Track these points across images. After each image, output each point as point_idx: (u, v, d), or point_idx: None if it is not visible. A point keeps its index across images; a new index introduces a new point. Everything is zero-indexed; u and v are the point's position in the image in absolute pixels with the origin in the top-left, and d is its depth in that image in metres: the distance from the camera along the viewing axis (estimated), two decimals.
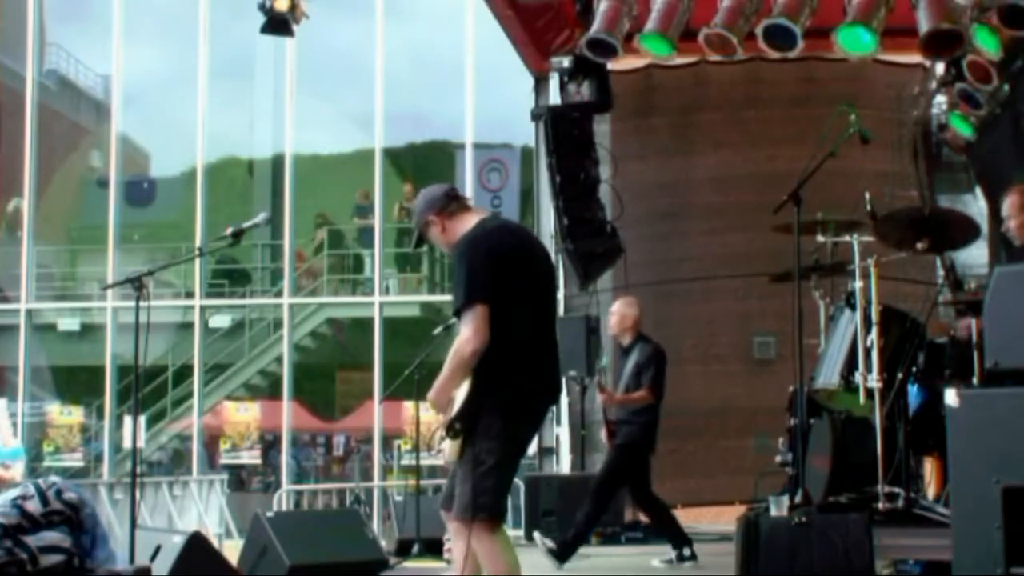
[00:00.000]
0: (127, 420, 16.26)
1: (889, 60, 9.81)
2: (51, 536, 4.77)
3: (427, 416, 10.87)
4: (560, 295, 10.35)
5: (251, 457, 17.75)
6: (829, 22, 7.83)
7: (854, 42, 7.78)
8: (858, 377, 5.66)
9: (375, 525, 11.43)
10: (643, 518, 9.19)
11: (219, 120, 18.32)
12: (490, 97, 17.50)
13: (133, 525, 5.51)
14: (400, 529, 9.16)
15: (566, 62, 9.60)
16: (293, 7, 8.98)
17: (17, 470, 10.10)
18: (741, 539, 5.41)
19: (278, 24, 9.10)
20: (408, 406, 13.53)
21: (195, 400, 16.67)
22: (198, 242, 15.56)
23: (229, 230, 5.73)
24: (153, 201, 20.83)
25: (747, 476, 9.09)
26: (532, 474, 10.43)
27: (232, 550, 7.71)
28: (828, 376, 5.94)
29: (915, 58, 9.26)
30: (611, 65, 9.65)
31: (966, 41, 7.69)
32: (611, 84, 9.91)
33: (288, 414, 16.31)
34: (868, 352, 5.65)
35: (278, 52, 16.33)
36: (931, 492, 6.04)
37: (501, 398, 4.41)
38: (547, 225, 11.25)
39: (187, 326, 17.04)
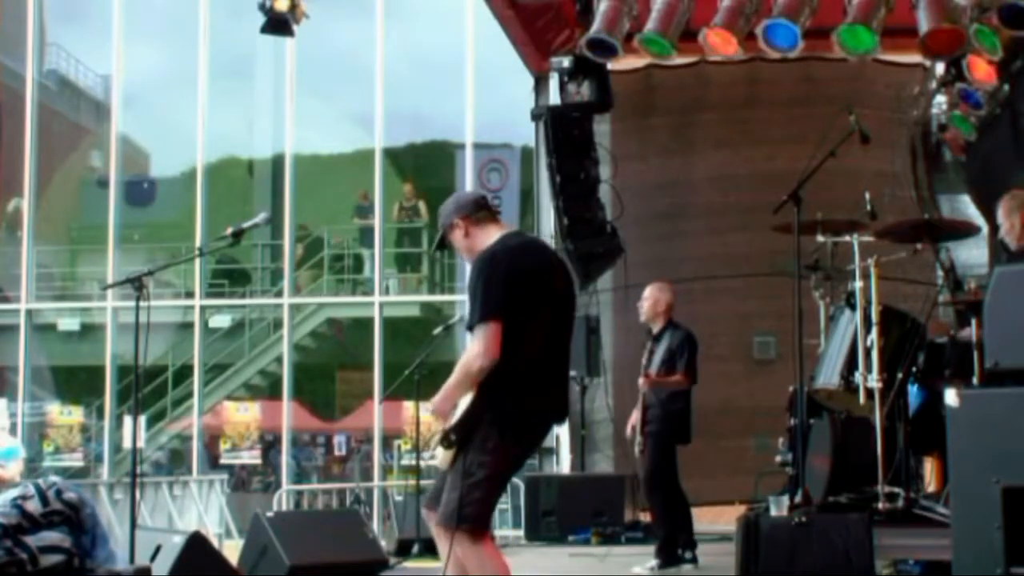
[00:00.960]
0: (127, 420, 16.25)
1: (889, 60, 9.81)
2: (51, 536, 4.78)
3: (427, 416, 10.87)
4: None
5: (251, 457, 17.74)
6: (829, 22, 7.83)
7: (854, 42, 7.78)
8: (858, 377, 5.66)
9: (375, 525, 11.44)
10: (643, 517, 9.20)
11: (219, 120, 18.30)
12: (490, 97, 17.49)
13: (133, 525, 5.51)
14: (400, 529, 9.17)
15: (566, 62, 9.60)
16: (293, 7, 8.99)
17: (14, 469, 10.10)
18: (741, 539, 5.42)
19: (278, 24, 9.11)
20: (408, 406, 13.54)
21: (195, 400, 16.67)
22: (198, 242, 15.56)
23: (229, 230, 5.74)
24: (153, 201, 20.82)
25: (747, 476, 9.08)
26: (532, 474, 10.44)
27: (232, 550, 7.71)
28: (828, 376, 5.94)
29: (915, 58, 9.25)
30: (611, 65, 9.65)
31: (966, 41, 7.68)
32: (611, 84, 9.91)
33: (288, 414, 16.31)
34: (868, 352, 5.65)
35: (278, 52, 16.33)
36: (931, 492, 6.04)
37: (502, 415, 4.40)
38: (547, 225, 11.25)
39: (187, 326, 17.04)
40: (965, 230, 6.49)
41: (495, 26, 11.12)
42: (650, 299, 7.57)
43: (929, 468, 6.28)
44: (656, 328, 7.58)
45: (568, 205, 10.12)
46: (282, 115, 16.64)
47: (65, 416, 17.64)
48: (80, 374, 18.86)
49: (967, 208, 10.32)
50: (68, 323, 17.95)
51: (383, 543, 7.94)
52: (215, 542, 8.75)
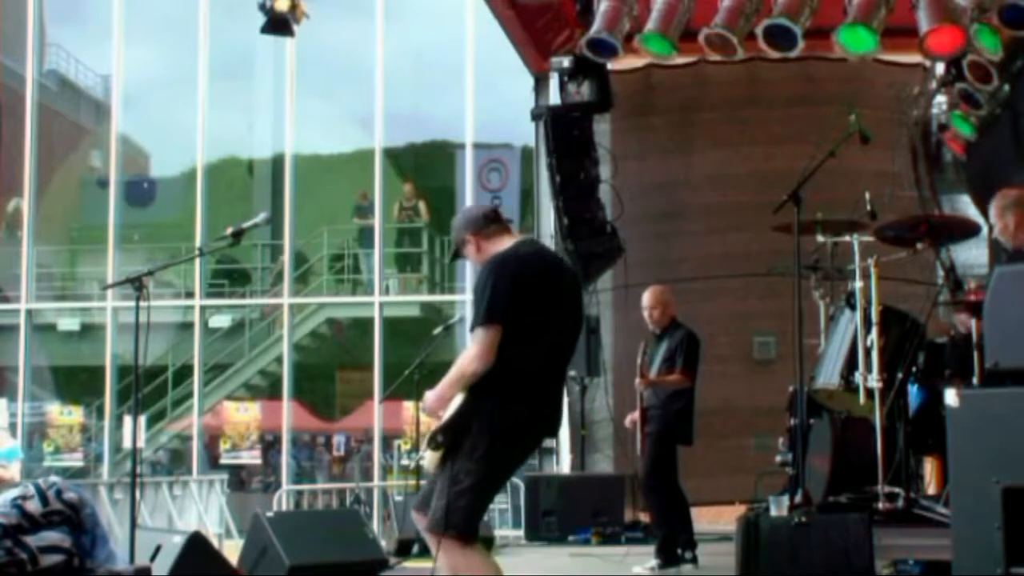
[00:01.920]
0: (127, 420, 16.26)
1: (889, 60, 9.80)
2: (51, 536, 4.77)
3: (426, 416, 10.88)
4: None
5: (251, 457, 17.75)
6: (829, 22, 7.83)
7: (854, 42, 7.78)
8: (858, 377, 5.66)
9: (375, 525, 11.43)
10: (643, 517, 9.20)
11: (219, 120, 18.31)
12: (490, 97, 17.50)
13: (133, 525, 5.51)
14: (400, 529, 9.16)
15: (566, 62, 9.60)
16: (293, 7, 8.99)
17: (14, 470, 10.10)
18: (741, 539, 5.42)
19: (278, 24, 9.11)
20: (408, 406, 13.56)
21: (195, 400, 16.67)
22: (198, 242, 15.56)
23: (229, 230, 5.73)
24: (153, 201, 20.83)
25: (747, 476, 9.10)
26: (532, 474, 10.44)
27: (232, 550, 7.71)
28: (828, 376, 5.93)
29: (915, 58, 9.25)
30: (610, 65, 9.65)
31: (966, 41, 7.69)
32: (611, 84, 9.91)
33: (288, 414, 16.31)
34: (868, 352, 5.65)
35: (278, 52, 16.33)
36: (931, 492, 6.05)
37: (492, 422, 4.37)
38: (547, 225, 11.26)
39: (187, 326, 17.05)
40: (965, 228, 6.48)
41: (495, 26, 11.12)
42: (659, 307, 7.58)
43: (929, 468, 6.28)
44: (659, 330, 7.60)
45: (568, 205, 10.12)
46: (282, 115, 16.63)
47: (65, 416, 17.65)
48: (80, 374, 18.87)
49: (967, 208, 10.32)
50: (68, 323, 17.97)
51: (383, 543, 7.94)
52: (215, 542, 8.75)
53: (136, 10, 17.57)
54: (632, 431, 7.64)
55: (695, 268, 10.89)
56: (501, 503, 12.44)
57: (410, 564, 8.20)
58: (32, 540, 4.72)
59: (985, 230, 6.71)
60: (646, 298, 7.69)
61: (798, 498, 5.62)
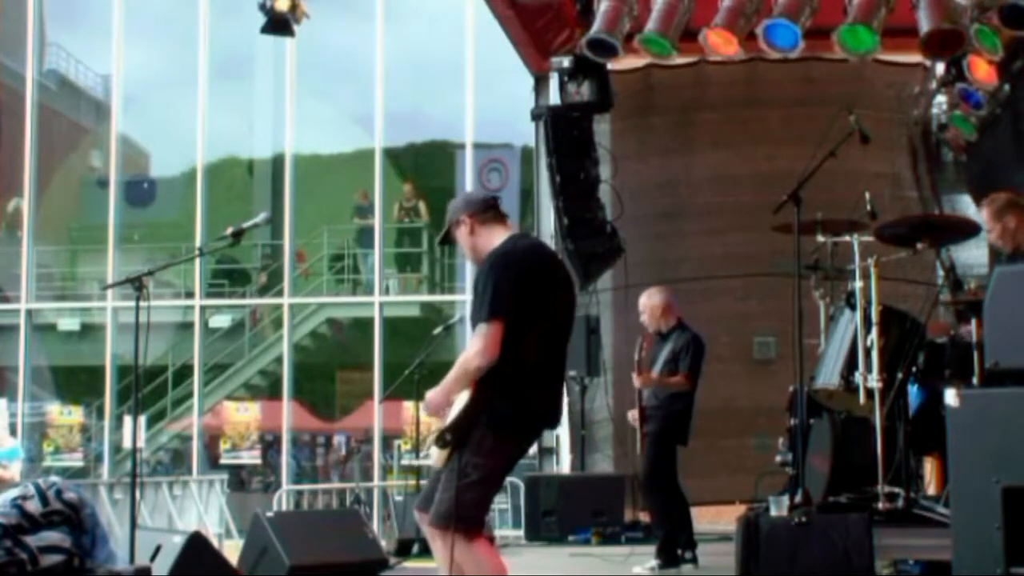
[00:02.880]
0: (127, 420, 16.26)
1: (889, 60, 9.80)
2: (51, 536, 4.77)
3: (427, 416, 10.87)
4: None
5: (251, 457, 17.74)
6: (829, 22, 7.83)
7: (854, 42, 7.78)
8: (858, 377, 5.65)
9: (375, 525, 11.43)
10: (643, 517, 9.20)
11: (219, 120, 18.32)
12: (490, 97, 17.52)
13: (133, 525, 5.52)
14: (400, 529, 9.17)
15: (566, 62, 9.60)
16: (294, 7, 8.99)
17: (15, 470, 10.10)
18: (741, 539, 5.42)
19: (279, 24, 9.11)
20: (408, 406, 13.55)
21: (195, 400, 16.67)
22: (198, 242, 15.57)
23: (229, 230, 5.74)
24: (153, 201, 20.83)
25: (747, 476, 9.08)
26: (532, 474, 10.44)
27: (232, 550, 7.71)
28: (828, 376, 5.93)
29: (915, 58, 9.25)
30: (610, 65, 9.65)
31: (966, 41, 7.68)
32: (611, 84, 9.90)
33: (288, 414, 16.32)
34: (868, 352, 5.65)
35: (278, 52, 16.34)
36: (931, 492, 6.04)
37: (498, 417, 4.40)
38: (547, 225, 11.25)
39: (187, 326, 17.05)
40: (965, 228, 6.47)
41: (495, 26, 11.12)
42: (647, 309, 7.60)
43: (929, 468, 6.27)
44: (664, 329, 7.60)
45: (568, 205, 10.11)
46: (282, 115, 16.64)
47: (65, 416, 17.64)
48: (80, 374, 18.87)
49: (967, 208, 10.31)
50: (68, 323, 17.97)
51: (383, 543, 7.94)
52: (215, 542, 8.75)
53: (136, 10, 17.58)
54: (633, 429, 7.65)
55: (695, 268, 10.89)
56: (501, 503, 12.43)
57: (410, 564, 8.21)
58: (32, 540, 4.72)
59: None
60: (640, 302, 7.71)
61: (798, 498, 5.61)
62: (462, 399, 4.44)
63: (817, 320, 6.60)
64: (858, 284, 5.77)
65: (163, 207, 20.41)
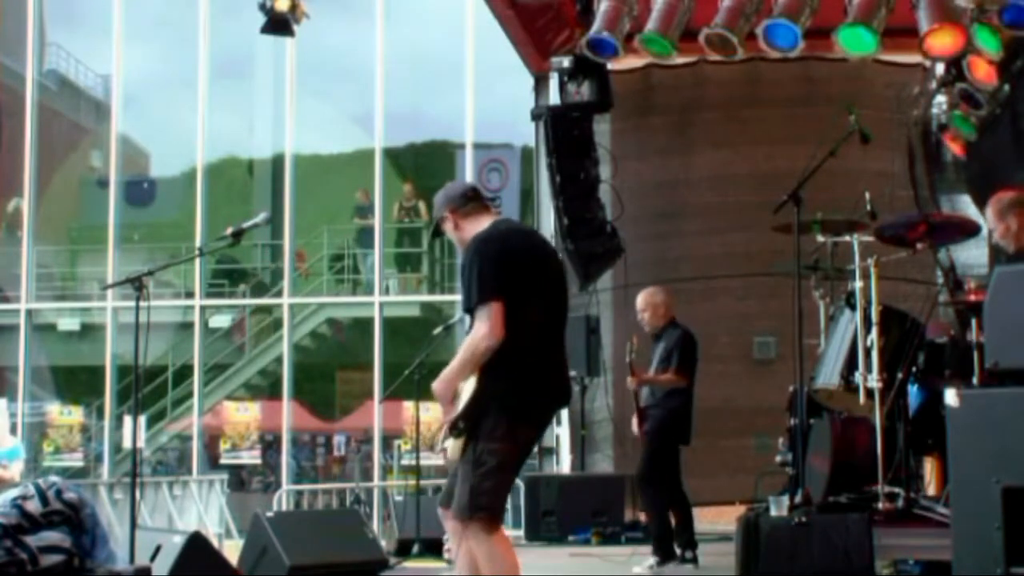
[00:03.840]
0: (127, 420, 16.26)
1: (889, 60, 9.79)
2: (51, 536, 4.77)
3: (427, 416, 10.89)
4: None
5: (251, 457, 17.74)
6: (829, 22, 7.83)
7: (854, 42, 7.78)
8: (858, 377, 5.66)
9: (375, 525, 11.44)
10: (643, 517, 9.20)
11: (219, 120, 18.32)
12: (490, 97, 17.53)
13: (133, 525, 5.52)
14: (400, 529, 9.17)
15: (566, 62, 9.60)
16: (293, 7, 8.99)
17: (15, 469, 10.09)
18: (741, 539, 5.42)
19: (278, 24, 9.11)
20: (408, 406, 13.54)
21: (195, 400, 16.67)
22: (198, 242, 15.56)
23: (229, 230, 5.74)
24: (153, 201, 20.83)
25: (747, 476, 9.09)
26: (532, 474, 10.44)
27: (232, 550, 7.71)
28: (828, 376, 5.93)
29: (915, 58, 9.24)
30: (610, 65, 9.64)
31: (966, 41, 7.68)
32: (611, 84, 9.91)
33: (288, 414, 16.31)
34: (868, 352, 5.65)
35: (278, 52, 16.33)
36: (931, 492, 6.04)
37: (508, 400, 4.39)
38: (547, 225, 11.24)
39: (187, 326, 17.05)
40: (965, 228, 6.47)
41: (495, 26, 11.12)
42: (648, 309, 7.61)
43: (929, 468, 6.27)
44: (657, 329, 7.62)
45: (568, 205, 10.11)
46: (282, 115, 16.64)
47: (65, 416, 17.63)
48: (80, 374, 18.87)
49: (967, 208, 10.31)
50: (68, 323, 17.96)
51: (383, 543, 7.94)
52: (215, 542, 8.75)
53: (136, 10, 17.58)
54: (635, 433, 7.66)
55: (695, 268, 10.89)
56: None
57: (410, 564, 8.21)
58: (32, 540, 4.72)
59: (985, 230, 6.71)
60: (638, 301, 7.74)
61: (798, 498, 5.62)
62: (469, 387, 4.42)
63: (817, 320, 6.61)
64: (858, 284, 5.77)
65: (163, 207, 20.41)
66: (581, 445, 10.48)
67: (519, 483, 10.16)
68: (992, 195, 5.93)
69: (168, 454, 18.77)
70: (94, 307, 17.52)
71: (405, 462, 16.13)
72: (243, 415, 17.70)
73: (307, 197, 18.22)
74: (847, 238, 6.15)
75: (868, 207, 6.15)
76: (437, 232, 4.87)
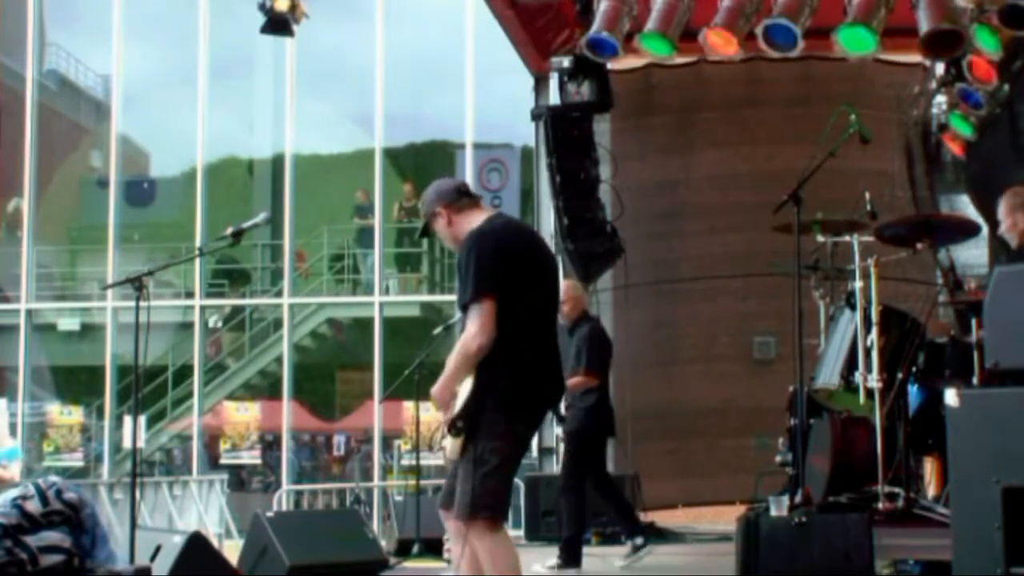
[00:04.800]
0: (127, 420, 16.26)
1: (889, 60, 9.79)
2: (51, 536, 4.77)
3: (427, 416, 10.87)
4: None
5: (251, 457, 17.75)
6: (829, 22, 7.82)
7: (854, 42, 7.78)
8: (858, 377, 5.66)
9: (375, 525, 11.44)
10: (643, 517, 9.20)
11: (219, 120, 18.33)
12: (490, 97, 17.51)
13: (133, 525, 5.52)
14: (400, 529, 9.17)
15: (566, 62, 9.59)
16: (293, 7, 8.99)
17: (14, 469, 10.09)
18: (741, 539, 5.42)
19: (278, 24, 9.10)
20: (408, 406, 13.53)
21: (195, 400, 16.67)
22: (198, 242, 15.57)
23: (229, 230, 5.74)
24: (153, 201, 20.85)
25: (747, 476, 9.09)
26: (532, 474, 10.43)
27: (232, 550, 7.71)
28: (828, 376, 5.93)
29: (915, 58, 9.25)
30: (610, 65, 9.64)
31: (966, 41, 7.68)
32: (611, 84, 9.90)
33: (288, 414, 16.32)
34: (868, 352, 5.65)
35: (278, 52, 16.34)
36: (931, 492, 6.04)
37: (505, 397, 4.39)
38: (547, 225, 11.24)
39: (187, 326, 17.05)
40: (965, 228, 6.47)
41: (495, 26, 11.11)
42: (568, 302, 7.58)
43: (929, 468, 6.27)
44: (570, 324, 7.60)
45: (568, 205, 10.11)
46: (282, 115, 16.65)
47: (65, 416, 17.64)
48: (80, 374, 18.87)
49: (966, 208, 10.32)
50: (68, 323, 17.97)
51: (383, 543, 7.94)
52: (215, 542, 8.75)
53: (136, 10, 17.59)
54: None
55: (695, 268, 10.89)
56: None
57: (410, 564, 8.21)
58: (32, 540, 4.72)
59: (985, 230, 6.72)
60: (564, 290, 7.69)
61: (798, 498, 5.62)
62: (466, 386, 4.42)
63: (817, 320, 6.60)
64: (858, 284, 5.77)
65: (163, 207, 20.42)
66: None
67: (519, 483, 10.15)
68: (992, 193, 5.94)
69: (175, 453, 18.75)
70: (94, 307, 17.53)
71: (405, 462, 16.13)
72: (243, 415, 17.71)
73: (307, 197, 18.23)
74: (847, 238, 6.15)
75: (868, 207, 6.15)
76: (426, 231, 4.85)
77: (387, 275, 17.36)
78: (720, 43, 8.10)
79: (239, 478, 18.25)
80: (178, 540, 6.01)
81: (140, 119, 19.35)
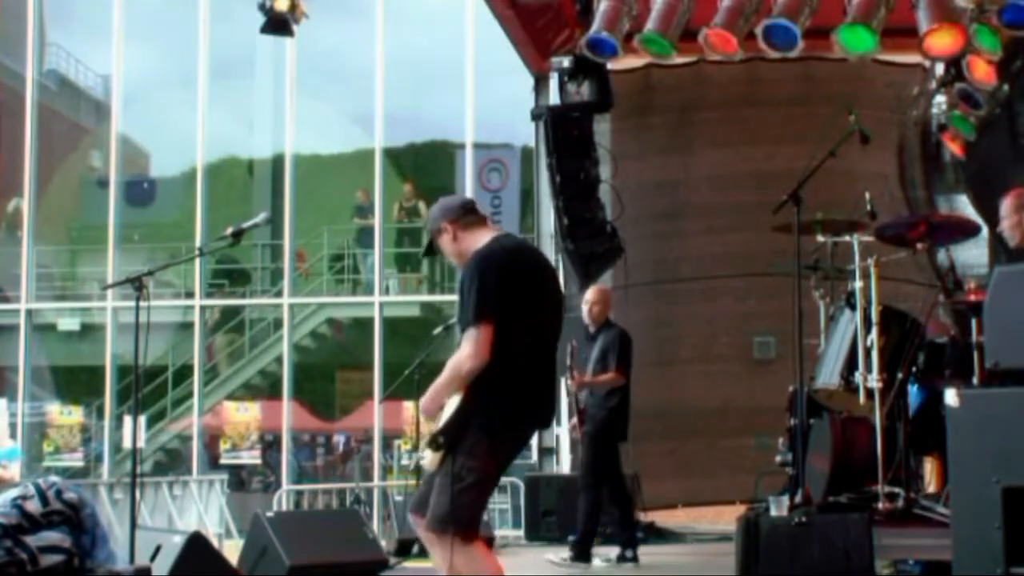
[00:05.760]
0: (127, 420, 16.26)
1: (889, 60, 9.80)
2: (51, 536, 4.77)
3: (424, 418, 10.87)
4: None
5: (251, 457, 17.75)
6: (829, 22, 7.82)
7: (854, 42, 7.78)
8: (858, 377, 5.66)
9: (375, 525, 11.43)
10: (643, 517, 9.21)
11: (219, 120, 18.33)
12: (490, 97, 17.51)
13: (133, 525, 5.52)
14: (400, 529, 9.16)
15: (566, 62, 9.59)
16: (293, 7, 8.99)
17: (14, 469, 10.09)
18: (741, 539, 5.42)
19: (278, 24, 9.11)
20: (408, 406, 13.55)
21: (195, 400, 16.67)
22: (198, 242, 15.57)
23: (229, 230, 5.74)
24: (153, 201, 20.84)
25: (747, 476, 9.10)
26: (532, 474, 10.44)
27: (232, 550, 7.71)
28: (828, 376, 5.93)
29: (915, 58, 9.25)
30: (610, 65, 9.65)
31: (966, 41, 7.68)
32: (611, 84, 9.91)
33: (288, 414, 16.32)
34: (868, 352, 5.65)
35: (278, 52, 16.34)
36: (931, 492, 6.04)
37: (491, 419, 4.39)
38: (547, 225, 11.25)
39: (187, 326, 17.05)
40: (965, 229, 6.47)
41: (495, 26, 11.13)
42: (600, 303, 7.70)
43: (929, 468, 6.28)
44: (593, 328, 7.67)
45: (568, 205, 10.11)
46: (282, 115, 16.64)
47: (65, 416, 17.64)
48: (80, 374, 18.87)
49: (965, 208, 10.33)
50: (68, 323, 17.96)
51: (383, 543, 7.94)
52: (215, 542, 8.75)
53: (136, 10, 17.58)
54: (574, 435, 7.74)
55: (695, 268, 10.90)
56: (501, 503, 12.44)
57: (410, 564, 8.20)
58: (32, 540, 4.72)
59: (985, 230, 6.72)
60: (591, 294, 7.90)
61: (798, 498, 5.62)
62: (454, 401, 4.43)
63: (817, 320, 6.60)
64: (858, 284, 5.77)
65: (163, 207, 20.41)
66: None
67: (519, 483, 10.17)
68: (992, 193, 5.94)
69: (181, 452, 18.74)
70: (94, 307, 17.52)
71: (405, 462, 16.13)
72: (243, 415, 17.71)
73: (307, 197, 18.23)
74: (847, 238, 6.15)
75: (868, 207, 6.15)
76: (430, 249, 4.82)
77: (387, 275, 17.36)
78: (720, 43, 8.10)
79: (239, 478, 18.24)
80: (178, 540, 6.01)
81: (140, 119, 19.35)
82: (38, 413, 17.57)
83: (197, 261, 15.10)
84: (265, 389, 18.39)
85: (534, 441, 11.13)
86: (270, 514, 7.06)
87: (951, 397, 4.21)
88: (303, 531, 7.02)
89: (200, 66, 16.40)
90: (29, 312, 16.69)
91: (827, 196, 6.41)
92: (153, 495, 12.42)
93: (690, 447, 10.74)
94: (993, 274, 4.51)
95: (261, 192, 20.33)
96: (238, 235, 5.73)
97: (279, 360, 17.07)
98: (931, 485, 6.19)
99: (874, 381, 5.60)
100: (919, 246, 5.90)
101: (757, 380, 10.35)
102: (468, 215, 4.70)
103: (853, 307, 5.79)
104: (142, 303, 5.49)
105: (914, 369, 5.76)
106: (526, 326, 4.46)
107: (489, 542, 7.85)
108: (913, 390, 5.87)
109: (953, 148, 10.22)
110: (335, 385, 21.71)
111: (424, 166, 21.04)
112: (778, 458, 6.81)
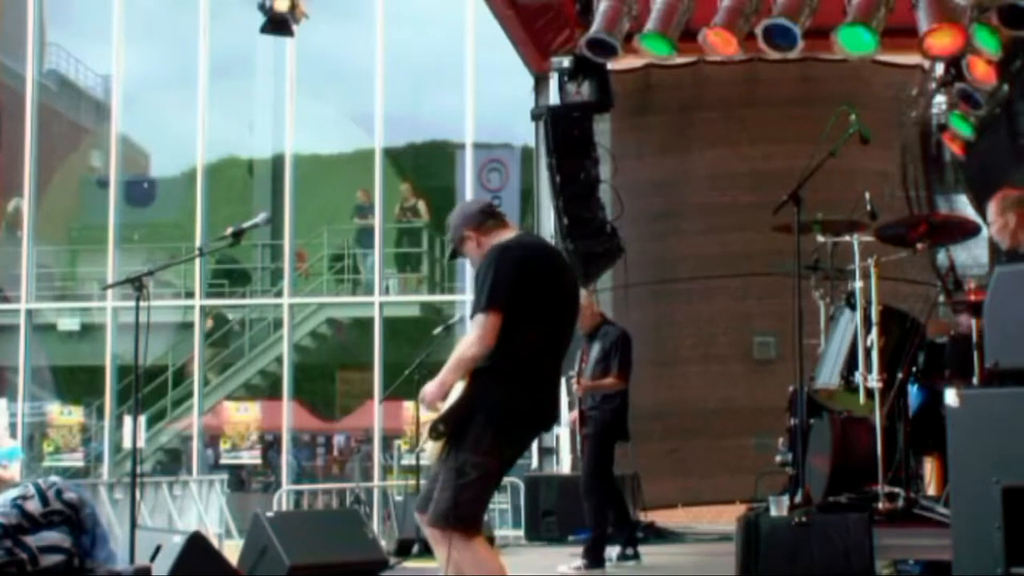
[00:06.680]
0: (127, 420, 16.26)
1: (888, 60, 9.82)
2: (51, 536, 4.77)
3: (427, 416, 10.89)
4: None
5: (251, 457, 17.75)
6: (829, 22, 7.83)
7: (854, 42, 7.78)
8: (858, 377, 5.65)
9: (375, 525, 11.43)
10: (643, 517, 9.21)
11: (219, 120, 18.31)
12: (490, 97, 17.51)
13: (133, 525, 5.51)
14: (400, 529, 9.16)
15: (566, 62, 9.61)
16: (293, 7, 8.99)
17: (14, 469, 10.10)
18: (741, 539, 5.42)
19: (278, 24, 9.11)
20: (408, 406, 13.55)
21: (195, 400, 16.67)
22: (198, 242, 15.56)
23: (229, 230, 5.74)
24: (153, 201, 20.83)
25: (747, 476, 9.09)
26: (532, 474, 10.44)
27: (232, 550, 7.71)
28: (828, 376, 5.93)
29: (915, 58, 9.26)
30: (610, 65, 9.65)
31: (966, 41, 7.69)
32: (611, 84, 9.91)
33: (288, 414, 16.31)
34: (868, 352, 5.65)
35: (278, 52, 16.34)
36: (931, 492, 6.04)
37: (497, 415, 4.38)
38: (547, 225, 11.25)
39: (187, 326, 17.05)
40: (965, 229, 6.47)
41: (495, 26, 11.13)
42: (588, 309, 7.58)
43: (929, 468, 6.27)
44: (587, 330, 7.63)
45: (568, 205, 10.12)
46: (282, 115, 16.64)
47: (65, 416, 17.64)
48: (80, 374, 18.87)
49: (965, 208, 10.33)
50: (68, 323, 17.96)
51: (383, 543, 7.94)
52: (215, 542, 8.75)
53: (135, 10, 17.59)
54: (573, 432, 7.71)
55: (694, 268, 10.90)
56: (501, 503, 12.44)
57: (410, 564, 8.21)
58: (32, 540, 4.72)
59: (985, 230, 6.71)
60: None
61: (798, 498, 5.62)
62: (457, 391, 4.42)
63: (817, 320, 6.60)
64: (858, 284, 5.77)
65: (163, 207, 20.41)
66: (581, 445, 10.47)
67: (519, 483, 10.17)
68: (991, 193, 5.93)
69: (158, 454, 18.75)
70: (94, 307, 17.52)
71: (405, 462, 16.13)
72: (243, 415, 17.70)
73: (307, 197, 18.23)
74: (847, 238, 6.15)
75: (868, 207, 6.14)
76: (455, 255, 4.81)
77: (387, 275, 17.35)
78: (719, 43, 8.11)
79: (239, 478, 18.24)
80: (178, 540, 6.01)
81: (140, 119, 19.35)
82: (38, 413, 17.56)
83: (197, 261, 15.10)
84: (265, 389, 18.39)
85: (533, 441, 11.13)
86: (270, 514, 7.07)
87: (951, 397, 4.21)
88: (303, 531, 7.03)
89: (200, 66, 16.40)
90: (29, 312, 16.68)
91: (827, 196, 6.41)
92: (153, 495, 12.42)
93: (690, 447, 10.75)
94: (993, 274, 4.51)
95: (261, 192, 20.33)
96: (238, 235, 5.73)
97: (279, 360, 17.07)
98: (931, 485, 6.18)
99: (874, 381, 5.60)
100: (919, 246, 5.89)
101: (757, 380, 10.35)
102: (488, 220, 4.70)
103: (853, 307, 5.79)
104: (142, 303, 5.49)
105: (914, 369, 5.76)
106: (537, 323, 4.45)
107: (488, 542, 7.87)
108: (913, 390, 5.87)
109: (953, 148, 10.22)
110: (335, 385, 21.72)
111: (424, 166, 21.04)
112: (778, 458, 6.81)
